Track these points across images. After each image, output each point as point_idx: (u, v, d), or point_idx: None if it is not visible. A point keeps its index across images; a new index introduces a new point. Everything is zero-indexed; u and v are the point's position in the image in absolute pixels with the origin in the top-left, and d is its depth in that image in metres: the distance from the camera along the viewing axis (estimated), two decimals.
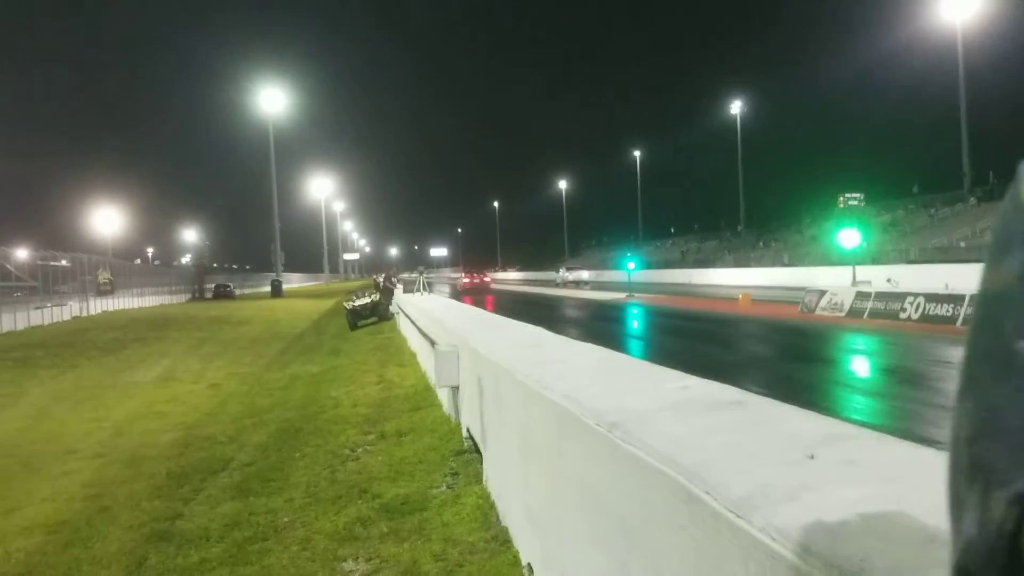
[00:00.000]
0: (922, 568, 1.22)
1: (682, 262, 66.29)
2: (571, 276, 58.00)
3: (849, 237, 23.22)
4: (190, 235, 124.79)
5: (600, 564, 2.58)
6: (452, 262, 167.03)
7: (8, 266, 27.34)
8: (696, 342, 17.21)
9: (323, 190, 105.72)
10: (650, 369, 3.65)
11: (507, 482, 4.47)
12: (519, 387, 3.80)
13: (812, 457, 1.85)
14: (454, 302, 15.99)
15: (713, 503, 1.67)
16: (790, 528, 1.42)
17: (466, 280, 55.88)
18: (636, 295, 36.00)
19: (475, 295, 41.62)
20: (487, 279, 56.37)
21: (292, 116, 68.41)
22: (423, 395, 9.46)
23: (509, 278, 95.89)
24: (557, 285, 55.52)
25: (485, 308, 14.38)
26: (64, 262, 32.73)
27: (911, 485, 1.61)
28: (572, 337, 6.17)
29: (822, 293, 21.82)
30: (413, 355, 13.58)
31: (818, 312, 21.28)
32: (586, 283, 56.03)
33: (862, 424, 2.44)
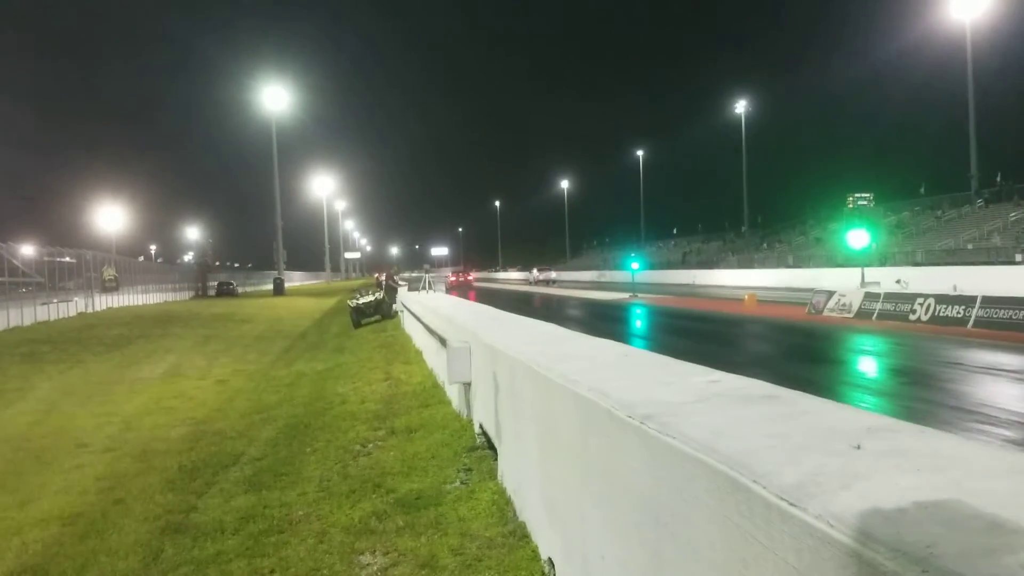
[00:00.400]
0: (993, 553, 1.22)
1: (682, 263, 66.27)
2: (541, 276, 68.60)
3: (858, 237, 23.17)
4: (193, 233, 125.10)
5: (630, 556, 2.57)
6: (453, 261, 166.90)
7: (15, 262, 27.36)
8: (704, 343, 17.20)
9: (325, 188, 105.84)
10: (674, 364, 3.63)
11: (524, 477, 4.46)
12: (540, 381, 3.80)
13: (858, 447, 1.84)
14: (462, 300, 15.98)
15: (762, 492, 1.66)
16: (848, 515, 1.42)
17: (452, 279, 65.15)
18: (640, 295, 35.97)
19: (460, 290, 48.24)
20: (470, 277, 68.59)
21: (295, 114, 68.51)
22: (431, 392, 9.45)
23: (511, 278, 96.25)
24: (530, 283, 66.48)
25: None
26: (69, 258, 32.77)
27: (964, 474, 1.61)
28: None
29: (830, 294, 21.78)
30: (419, 353, 13.57)
31: (826, 313, 21.25)
32: (554, 281, 66.60)
33: None
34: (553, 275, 70.18)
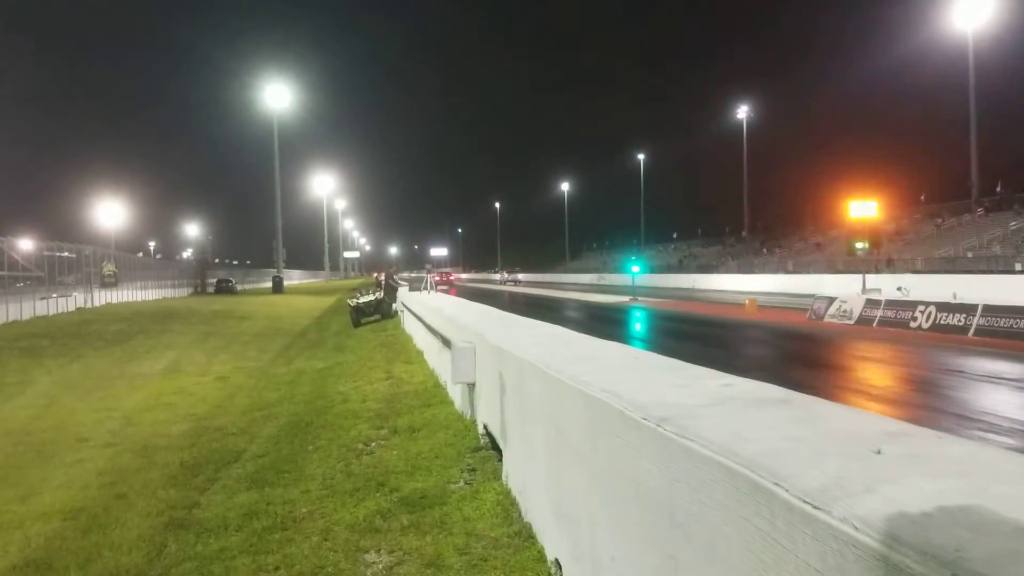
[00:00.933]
0: (1022, 558, 1.22)
1: (679, 267, 66.31)
2: (509, 276, 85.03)
3: (860, 244, 23.21)
4: (192, 229, 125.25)
5: (642, 557, 2.57)
6: (452, 262, 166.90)
7: (14, 256, 27.34)
8: (706, 347, 17.21)
9: (325, 187, 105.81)
10: (684, 367, 3.64)
11: (531, 478, 4.46)
12: (550, 382, 3.80)
13: (879, 452, 1.85)
14: (465, 301, 15.98)
15: (784, 494, 1.67)
16: (873, 518, 1.42)
17: (437, 278, 68.15)
18: (640, 299, 36.00)
19: (443, 287, 51.03)
20: (451, 277, 75.39)
21: (296, 112, 68.40)
22: (433, 392, 9.46)
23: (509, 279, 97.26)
24: (499, 283, 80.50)
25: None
26: (68, 253, 32.76)
27: (988, 480, 1.62)
28: None
29: (831, 300, 21.80)
30: (420, 353, 13.58)
31: (827, 319, 21.26)
32: (519, 281, 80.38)
33: None
34: (519, 276, 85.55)
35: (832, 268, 41.71)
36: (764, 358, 15.96)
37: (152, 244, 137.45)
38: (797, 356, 15.73)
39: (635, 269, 41.43)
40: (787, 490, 1.67)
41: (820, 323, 21.18)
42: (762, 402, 2.61)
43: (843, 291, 23.45)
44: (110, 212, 79.42)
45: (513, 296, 47.11)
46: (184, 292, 50.70)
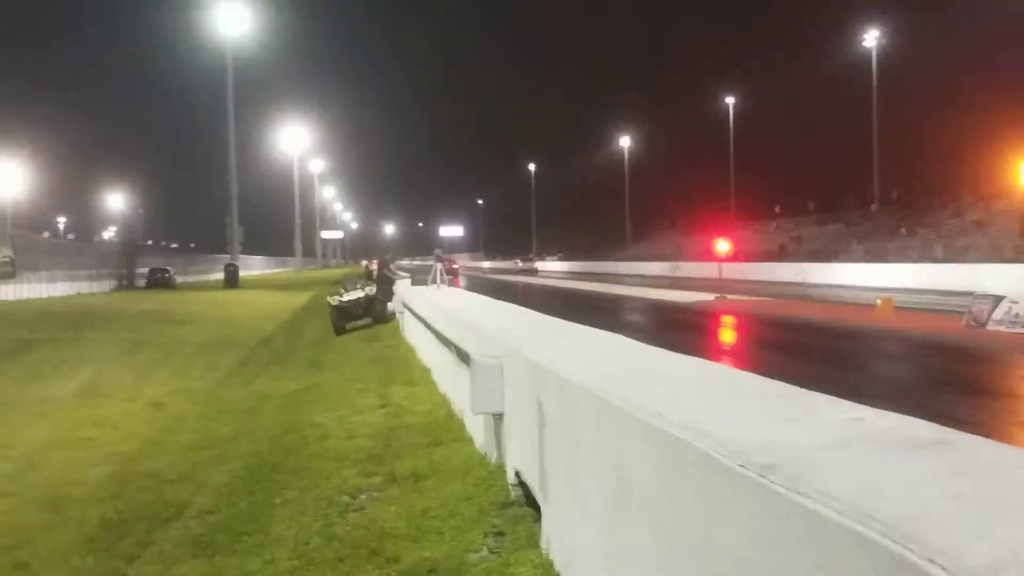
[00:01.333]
0: None
1: (778, 253, 65.67)
2: (523, 265, 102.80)
3: None
4: (116, 202, 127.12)
5: None
6: (470, 246, 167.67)
7: None
8: (823, 365, 17.06)
9: (296, 144, 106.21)
10: (797, 394, 3.62)
11: (582, 545, 4.48)
12: (610, 414, 3.81)
13: None
14: (490, 299, 16.03)
15: (941, 574, 1.66)
16: None
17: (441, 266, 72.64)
18: (729, 296, 35.83)
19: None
20: (455, 266, 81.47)
21: (259, 41, 68.98)
22: (445, 424, 9.53)
23: (553, 269, 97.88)
24: (514, 272, 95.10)
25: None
26: None
27: None
28: None
29: (997, 300, 21.50)
30: (426, 370, 13.67)
31: (991, 326, 20.99)
32: (536, 271, 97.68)
33: None
34: (535, 265, 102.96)
35: (998, 255, 41.12)
36: (905, 381, 15.81)
37: (62, 221, 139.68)
38: (951, 379, 15.53)
39: (722, 254, 41.30)
40: (945, 568, 1.66)
41: (982, 331, 20.92)
42: (906, 444, 2.59)
43: (1015, 287, 23.08)
44: (4, 178, 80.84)
45: (552, 293, 47.24)
46: (105, 286, 51.39)
